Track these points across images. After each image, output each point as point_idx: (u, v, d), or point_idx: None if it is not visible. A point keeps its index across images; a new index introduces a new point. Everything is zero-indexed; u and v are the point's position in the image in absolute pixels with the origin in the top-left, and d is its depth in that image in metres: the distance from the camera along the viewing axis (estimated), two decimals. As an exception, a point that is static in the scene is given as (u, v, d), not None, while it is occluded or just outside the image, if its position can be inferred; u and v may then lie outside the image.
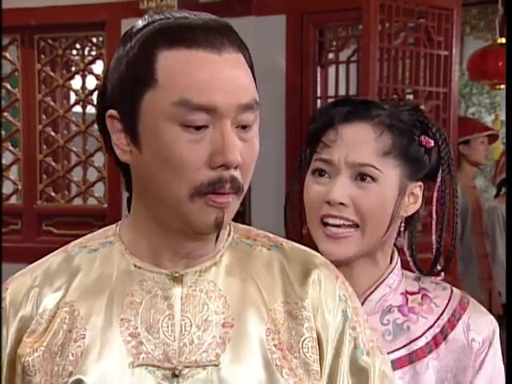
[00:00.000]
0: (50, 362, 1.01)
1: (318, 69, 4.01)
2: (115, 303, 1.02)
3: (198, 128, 0.96)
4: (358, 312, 1.10)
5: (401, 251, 1.37)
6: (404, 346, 1.29)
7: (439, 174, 1.33)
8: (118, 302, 1.02)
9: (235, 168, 0.98)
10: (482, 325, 1.31)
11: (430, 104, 3.68)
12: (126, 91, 0.99)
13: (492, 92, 7.35)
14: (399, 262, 1.35)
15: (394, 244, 1.36)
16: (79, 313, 1.02)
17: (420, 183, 1.32)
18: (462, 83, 7.25)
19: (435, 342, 1.29)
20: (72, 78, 4.43)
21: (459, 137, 3.92)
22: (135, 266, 1.04)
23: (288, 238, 1.34)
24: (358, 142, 1.27)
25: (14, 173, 4.61)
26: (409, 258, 1.36)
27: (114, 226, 1.10)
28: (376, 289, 1.31)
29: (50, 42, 4.36)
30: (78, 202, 4.44)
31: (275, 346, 1.01)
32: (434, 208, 1.34)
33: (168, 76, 0.96)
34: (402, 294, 1.33)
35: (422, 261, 1.39)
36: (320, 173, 1.30)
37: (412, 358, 1.29)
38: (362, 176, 1.26)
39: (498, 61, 4.48)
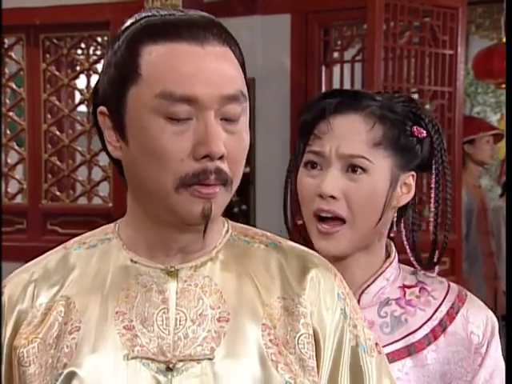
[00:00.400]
0: (44, 353, 1.02)
1: (323, 68, 4.01)
2: (111, 297, 1.03)
3: (182, 120, 0.97)
4: (357, 310, 1.11)
5: (398, 246, 1.37)
6: (402, 338, 1.29)
7: (433, 165, 1.34)
8: (114, 295, 1.03)
9: (221, 159, 0.98)
10: (480, 318, 1.32)
11: (435, 103, 3.67)
12: (113, 87, 1.01)
13: (497, 91, 7.33)
14: (397, 256, 1.36)
15: (391, 238, 1.36)
16: (75, 305, 1.03)
17: (413, 173, 1.32)
18: (467, 82, 7.23)
19: (434, 335, 1.30)
20: (77, 77, 4.43)
21: (464, 136, 3.91)
22: (132, 260, 1.05)
23: (288, 232, 1.35)
24: (349, 133, 1.27)
25: (19, 172, 4.61)
26: (408, 250, 1.35)
27: (113, 224, 1.12)
28: (374, 282, 1.32)
29: (55, 41, 4.36)
30: (82, 201, 4.45)
31: (271, 341, 1.02)
32: (433, 200, 1.35)
33: (151, 69, 0.98)
34: (399, 287, 1.34)
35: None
36: (312, 165, 1.30)
37: (410, 350, 1.29)
38: (353, 167, 1.27)
39: (503, 60, 4.45)
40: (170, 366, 0.99)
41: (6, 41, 4.42)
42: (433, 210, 1.34)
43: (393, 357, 1.28)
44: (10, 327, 1.05)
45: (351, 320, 1.08)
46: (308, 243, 1.30)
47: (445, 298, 1.33)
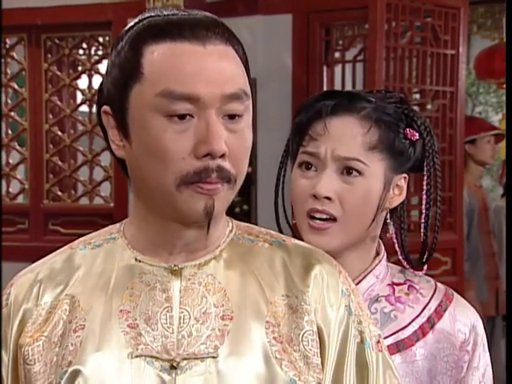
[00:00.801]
0: (49, 351, 1.02)
1: (325, 68, 4.01)
2: (115, 295, 1.03)
3: (182, 118, 0.98)
4: (363, 307, 1.11)
5: (387, 247, 1.39)
6: (391, 335, 1.31)
7: (425, 167, 1.35)
8: (118, 294, 1.04)
9: (222, 158, 0.98)
10: (467, 316, 1.34)
11: (437, 103, 3.67)
12: (117, 87, 1.01)
13: (499, 91, 7.33)
14: (385, 255, 1.37)
15: (380, 237, 1.38)
16: (79, 304, 1.04)
17: (405, 175, 1.34)
18: (468, 82, 7.24)
19: (422, 331, 1.31)
20: (78, 77, 4.44)
21: (466, 136, 3.91)
22: (136, 259, 1.06)
23: (280, 230, 1.36)
24: (345, 135, 1.28)
25: (20, 172, 4.62)
26: (397, 250, 1.36)
27: (118, 224, 1.12)
28: (363, 279, 1.33)
29: (56, 41, 4.36)
30: (84, 201, 4.45)
31: (275, 338, 1.02)
32: (424, 201, 1.35)
33: (153, 69, 0.99)
34: (388, 285, 1.35)
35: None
36: (306, 166, 1.31)
37: (400, 347, 1.30)
38: (348, 170, 1.28)
39: (504, 60, 4.46)
40: (174, 364, 1.00)
41: (7, 41, 4.43)
42: (424, 211, 1.35)
43: (389, 353, 1.28)
44: (16, 326, 1.05)
45: (356, 316, 1.08)
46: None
47: (432, 296, 1.35)
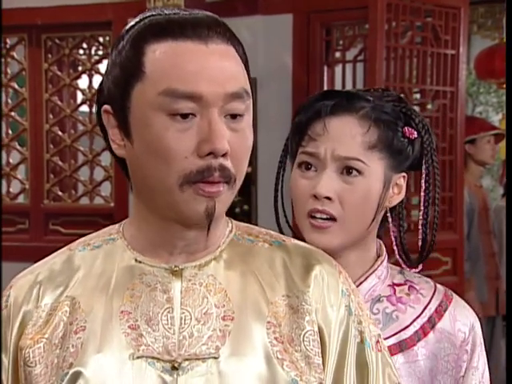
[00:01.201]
0: (50, 353, 1.02)
1: (325, 68, 4.01)
2: (116, 296, 1.03)
3: (185, 117, 0.97)
4: (363, 307, 1.11)
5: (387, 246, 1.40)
6: (393, 335, 1.31)
7: (424, 165, 1.35)
8: (119, 295, 1.03)
9: (224, 157, 0.98)
10: (466, 317, 1.35)
11: (437, 103, 3.67)
12: (118, 86, 1.01)
13: (499, 91, 7.33)
14: (386, 256, 1.38)
15: (380, 237, 1.38)
16: (80, 305, 1.03)
17: (404, 174, 1.34)
18: (469, 82, 7.24)
19: (423, 331, 1.32)
20: (79, 77, 4.44)
21: (466, 136, 3.91)
22: (136, 260, 1.05)
23: (280, 230, 1.36)
24: (345, 135, 1.28)
25: (21, 172, 4.62)
26: (395, 247, 1.37)
27: (117, 224, 1.12)
28: (366, 279, 1.34)
29: (57, 41, 4.37)
30: (84, 201, 4.45)
31: (276, 339, 1.02)
32: (422, 199, 1.36)
33: (155, 67, 0.98)
34: (389, 285, 1.36)
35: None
36: (306, 166, 1.31)
37: (402, 347, 1.31)
38: (348, 169, 1.28)
39: (505, 60, 4.46)
40: (176, 365, 1.00)
41: (8, 41, 4.43)
42: (423, 209, 1.36)
43: (388, 353, 1.29)
44: (16, 328, 1.05)
45: (356, 316, 1.08)
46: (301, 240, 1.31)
47: (433, 296, 1.35)
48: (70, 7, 4.19)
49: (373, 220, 1.30)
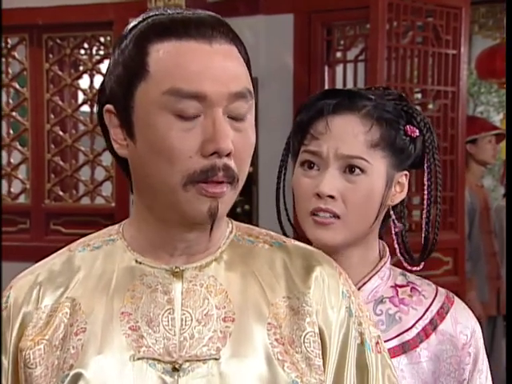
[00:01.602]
0: (50, 355, 1.01)
1: (326, 68, 4.01)
2: (116, 298, 1.03)
3: (190, 116, 0.97)
4: (363, 308, 1.11)
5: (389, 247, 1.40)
6: (396, 336, 1.32)
7: (425, 163, 1.35)
8: (119, 296, 1.03)
9: (228, 156, 0.98)
10: (467, 319, 1.35)
11: (438, 103, 3.67)
12: (121, 85, 1.01)
13: (500, 91, 7.32)
14: (389, 257, 1.38)
15: (381, 237, 1.39)
16: (80, 307, 1.03)
17: (406, 172, 1.34)
18: (470, 82, 7.23)
19: (425, 333, 1.32)
20: (80, 77, 4.44)
21: (467, 136, 3.91)
22: (136, 261, 1.05)
23: (282, 229, 1.36)
24: (347, 134, 1.29)
25: (22, 172, 4.62)
26: (396, 245, 1.37)
27: (117, 225, 1.11)
28: (369, 280, 1.34)
29: (58, 41, 4.37)
30: (85, 201, 4.45)
31: (276, 340, 1.02)
32: (425, 197, 1.36)
33: (159, 67, 0.98)
34: (391, 286, 1.36)
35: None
36: (309, 165, 1.31)
37: (405, 348, 1.31)
38: (350, 168, 1.28)
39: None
40: (177, 366, 0.99)
41: (9, 41, 4.44)
42: (425, 207, 1.36)
43: (388, 354, 1.29)
44: (16, 329, 1.05)
45: (356, 318, 1.08)
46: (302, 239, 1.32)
47: (434, 298, 1.36)
48: (71, 7, 4.19)
49: (375, 218, 1.31)
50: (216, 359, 1.00)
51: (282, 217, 1.40)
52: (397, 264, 1.40)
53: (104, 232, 1.11)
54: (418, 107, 3.57)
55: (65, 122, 4.41)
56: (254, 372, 1.00)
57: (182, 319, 1.02)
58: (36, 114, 4.38)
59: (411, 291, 1.36)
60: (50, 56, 4.38)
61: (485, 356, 1.36)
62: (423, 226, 1.36)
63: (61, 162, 4.40)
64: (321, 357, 1.04)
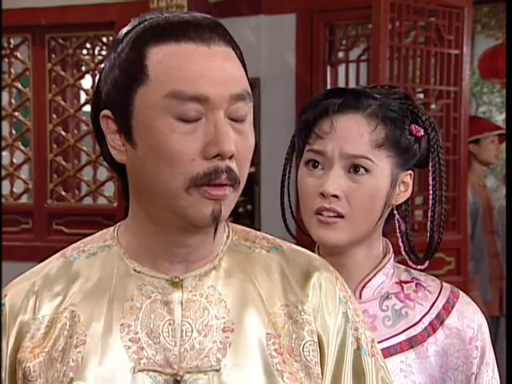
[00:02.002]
0: (50, 367, 1.00)
1: (328, 68, 4.01)
2: (115, 308, 1.01)
3: (191, 119, 0.96)
4: (359, 313, 1.10)
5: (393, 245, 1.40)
6: (404, 331, 1.33)
7: (430, 163, 1.35)
8: (118, 306, 1.01)
9: (230, 159, 0.97)
10: (473, 313, 1.36)
11: (441, 103, 3.67)
12: (119, 90, 1.00)
13: (503, 91, 7.31)
14: (393, 254, 1.39)
15: (385, 235, 1.39)
16: (79, 318, 1.01)
17: (410, 171, 1.34)
18: (472, 82, 7.23)
19: (432, 328, 1.33)
20: (82, 77, 4.44)
21: (469, 136, 3.91)
22: (135, 270, 1.03)
23: (287, 228, 1.37)
24: (352, 134, 1.29)
25: (24, 172, 4.63)
26: (400, 244, 1.37)
27: (111, 228, 1.09)
28: (374, 276, 1.34)
29: (60, 41, 4.37)
30: (88, 201, 4.46)
31: (275, 350, 1.01)
32: (430, 196, 1.36)
33: (159, 70, 0.97)
34: (396, 283, 1.37)
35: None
36: (313, 164, 1.31)
37: (412, 343, 1.32)
38: (355, 167, 1.28)
39: (508, 59, 4.46)
40: (178, 378, 0.99)
41: (11, 41, 4.44)
42: (430, 206, 1.36)
43: (396, 349, 1.31)
44: (13, 338, 1.03)
45: (353, 323, 1.08)
46: (306, 238, 1.33)
47: (440, 293, 1.36)
48: (73, 7, 4.19)
49: (379, 217, 1.31)
50: (217, 370, 0.99)
51: (285, 216, 1.40)
52: (400, 263, 1.41)
53: (98, 236, 1.09)
54: (421, 107, 3.57)
55: (67, 122, 4.41)
56: (253, 382, 1.00)
57: (182, 330, 1.01)
58: (38, 114, 4.38)
59: (416, 287, 1.36)
60: (53, 56, 4.38)
61: (491, 349, 1.36)
62: (428, 225, 1.36)
63: (63, 162, 4.40)
64: (319, 365, 1.03)
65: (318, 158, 1.30)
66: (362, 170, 1.28)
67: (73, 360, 0.99)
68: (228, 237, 1.08)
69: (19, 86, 4.46)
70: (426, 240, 1.37)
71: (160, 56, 0.98)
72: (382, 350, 1.27)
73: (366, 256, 1.34)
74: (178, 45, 0.98)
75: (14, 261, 2.80)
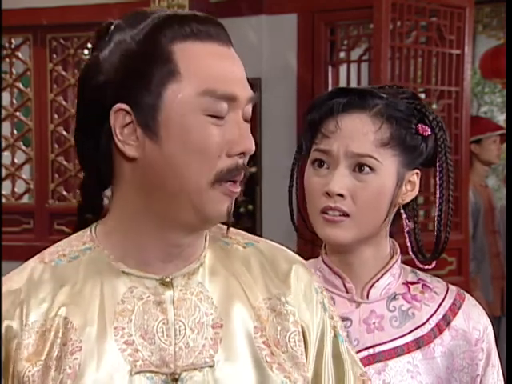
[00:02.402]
0: (46, 376, 0.98)
1: (330, 68, 4.01)
2: (107, 312, 1.01)
3: (222, 117, 0.99)
4: (331, 302, 1.15)
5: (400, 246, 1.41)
6: (410, 332, 1.33)
7: (437, 162, 1.36)
8: (110, 310, 1.01)
9: (245, 157, 1.02)
10: (479, 315, 1.37)
11: (442, 103, 3.67)
12: (143, 84, 0.99)
13: (504, 91, 7.31)
14: (400, 255, 1.39)
15: (392, 234, 1.39)
16: (72, 325, 1.00)
17: (417, 171, 1.35)
18: (474, 82, 7.22)
19: (439, 329, 1.34)
20: (84, 77, 4.44)
21: (471, 136, 3.91)
22: (123, 272, 1.03)
23: (294, 227, 1.39)
24: (357, 133, 1.29)
25: (26, 172, 4.63)
26: (408, 243, 1.37)
27: (87, 231, 1.09)
28: (382, 276, 1.35)
29: (61, 41, 4.37)
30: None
31: (264, 342, 1.04)
32: (438, 195, 1.36)
33: (191, 68, 0.99)
34: (403, 283, 1.38)
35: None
36: (319, 163, 1.32)
37: (419, 344, 1.33)
38: (360, 166, 1.29)
39: (510, 59, 4.45)
40: (176, 376, 0.99)
41: (13, 41, 4.44)
42: (437, 206, 1.36)
43: (403, 350, 1.32)
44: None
45: (329, 312, 1.12)
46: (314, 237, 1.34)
47: (446, 295, 1.37)
48: (74, 7, 4.19)
49: (385, 217, 1.31)
50: (211, 366, 1.00)
51: (286, 221, 1.40)
52: (406, 263, 1.41)
53: (75, 239, 1.08)
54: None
55: (68, 122, 4.41)
56: (245, 376, 1.01)
57: (175, 329, 1.01)
58: (40, 114, 4.38)
59: (423, 288, 1.38)
60: (54, 56, 4.38)
61: (496, 351, 1.37)
62: (435, 224, 1.37)
63: (64, 162, 4.40)
64: (304, 354, 1.06)
65: (323, 157, 1.31)
66: (366, 168, 1.29)
67: (69, 367, 0.98)
68: (207, 234, 1.09)
69: (20, 86, 4.46)
70: (429, 240, 1.37)
71: (189, 53, 0.99)
72: (389, 350, 1.32)
73: (375, 256, 1.35)
74: (202, 43, 1.00)
75: (15, 261, 2.80)
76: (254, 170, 3.81)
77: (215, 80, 0.98)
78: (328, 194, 1.29)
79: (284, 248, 1.15)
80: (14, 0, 4.01)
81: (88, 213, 1.12)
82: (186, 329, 1.02)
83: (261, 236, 1.17)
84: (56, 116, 4.39)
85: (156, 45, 0.99)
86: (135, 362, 0.99)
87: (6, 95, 4.46)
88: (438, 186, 1.35)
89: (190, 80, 0.98)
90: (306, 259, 1.44)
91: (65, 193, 4.42)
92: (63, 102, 4.37)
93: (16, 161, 4.52)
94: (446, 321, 1.34)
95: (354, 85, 3.94)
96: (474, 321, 1.35)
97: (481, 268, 4.22)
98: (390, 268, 1.36)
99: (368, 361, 1.30)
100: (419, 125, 1.32)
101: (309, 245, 1.45)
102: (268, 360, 1.03)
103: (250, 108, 1.03)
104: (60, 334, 1.00)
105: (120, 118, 1.00)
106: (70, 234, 1.13)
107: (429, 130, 1.33)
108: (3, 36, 4.23)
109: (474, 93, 7.50)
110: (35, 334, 1.00)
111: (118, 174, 1.04)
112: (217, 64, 0.99)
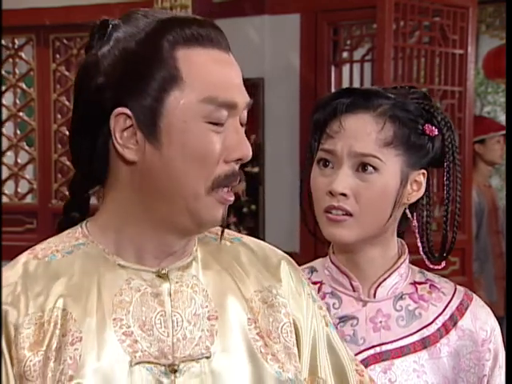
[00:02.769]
0: (46, 367, 0.99)
1: (333, 68, 4.01)
2: (105, 303, 1.02)
3: (221, 124, 1.00)
4: (317, 293, 1.18)
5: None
6: (417, 332, 1.34)
7: (445, 163, 1.36)
8: (108, 301, 1.02)
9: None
10: (486, 316, 1.38)
11: (445, 103, 3.67)
12: (145, 89, 0.99)
13: (507, 90, 7.29)
14: (408, 255, 1.39)
15: (400, 235, 1.39)
16: (72, 316, 1.01)
17: (423, 170, 1.35)
18: (477, 82, 7.22)
19: (445, 329, 1.35)
20: (86, 77, 4.44)
21: (474, 136, 3.90)
22: (119, 265, 1.04)
23: (307, 227, 1.39)
24: (360, 132, 1.30)
25: (29, 172, 4.63)
26: (419, 244, 1.38)
27: (77, 228, 1.09)
28: (389, 276, 1.36)
29: (65, 41, 4.38)
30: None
31: (257, 334, 1.06)
32: (445, 195, 1.37)
33: (194, 75, 0.99)
34: (411, 283, 1.38)
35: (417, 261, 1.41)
36: (324, 163, 1.33)
37: (426, 343, 1.34)
38: (363, 166, 1.30)
39: (513, 59, 4.45)
40: (175, 367, 1.01)
41: (16, 41, 4.45)
42: (444, 206, 1.37)
43: (409, 349, 1.33)
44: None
45: (318, 303, 1.15)
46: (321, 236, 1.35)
47: (454, 295, 1.38)
48: (77, 7, 4.20)
49: (390, 216, 1.31)
50: (207, 357, 1.02)
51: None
52: (414, 263, 1.41)
53: (66, 236, 1.09)
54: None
55: (71, 123, 4.42)
56: (241, 367, 1.03)
57: (173, 321, 1.03)
58: (43, 114, 4.39)
59: (430, 288, 1.38)
60: (57, 56, 4.39)
61: (503, 352, 1.37)
62: (443, 225, 1.38)
63: (67, 162, 4.39)
64: (295, 345, 1.09)
65: (328, 157, 1.32)
66: (370, 168, 1.29)
67: (70, 358, 0.99)
68: None
69: (24, 86, 4.47)
70: (434, 240, 1.37)
71: (192, 60, 1.00)
72: (395, 349, 1.32)
73: (382, 256, 1.35)
74: (204, 49, 1.00)
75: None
76: (256, 169, 3.81)
77: (216, 87, 0.99)
78: (331, 194, 1.30)
79: (269, 245, 1.17)
80: (17, 0, 4.02)
81: (75, 211, 1.12)
82: (183, 320, 1.03)
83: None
84: (59, 116, 4.40)
85: (158, 49, 0.99)
86: (135, 353, 1.00)
87: (9, 95, 4.47)
88: (445, 187, 1.35)
89: (192, 87, 0.99)
90: (310, 258, 1.45)
91: (68, 193, 4.42)
92: (66, 102, 4.37)
93: (19, 161, 4.52)
94: (452, 321, 1.35)
95: (356, 85, 3.94)
96: (481, 321, 1.36)
97: (484, 268, 4.22)
98: (398, 268, 1.36)
99: (374, 359, 1.31)
100: (426, 125, 1.33)
101: (312, 245, 1.45)
102: (262, 351, 1.05)
103: (245, 113, 1.04)
104: (59, 326, 1.00)
105: (120, 121, 1.00)
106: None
107: (436, 130, 1.33)
108: (6, 36, 4.24)
109: (477, 93, 7.49)
110: (34, 325, 1.01)
111: (114, 175, 1.04)
112: (218, 71, 1.00)
